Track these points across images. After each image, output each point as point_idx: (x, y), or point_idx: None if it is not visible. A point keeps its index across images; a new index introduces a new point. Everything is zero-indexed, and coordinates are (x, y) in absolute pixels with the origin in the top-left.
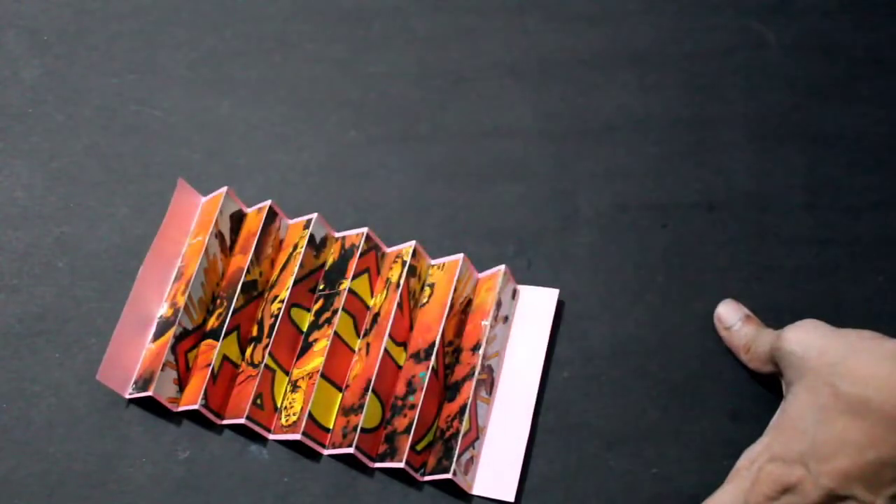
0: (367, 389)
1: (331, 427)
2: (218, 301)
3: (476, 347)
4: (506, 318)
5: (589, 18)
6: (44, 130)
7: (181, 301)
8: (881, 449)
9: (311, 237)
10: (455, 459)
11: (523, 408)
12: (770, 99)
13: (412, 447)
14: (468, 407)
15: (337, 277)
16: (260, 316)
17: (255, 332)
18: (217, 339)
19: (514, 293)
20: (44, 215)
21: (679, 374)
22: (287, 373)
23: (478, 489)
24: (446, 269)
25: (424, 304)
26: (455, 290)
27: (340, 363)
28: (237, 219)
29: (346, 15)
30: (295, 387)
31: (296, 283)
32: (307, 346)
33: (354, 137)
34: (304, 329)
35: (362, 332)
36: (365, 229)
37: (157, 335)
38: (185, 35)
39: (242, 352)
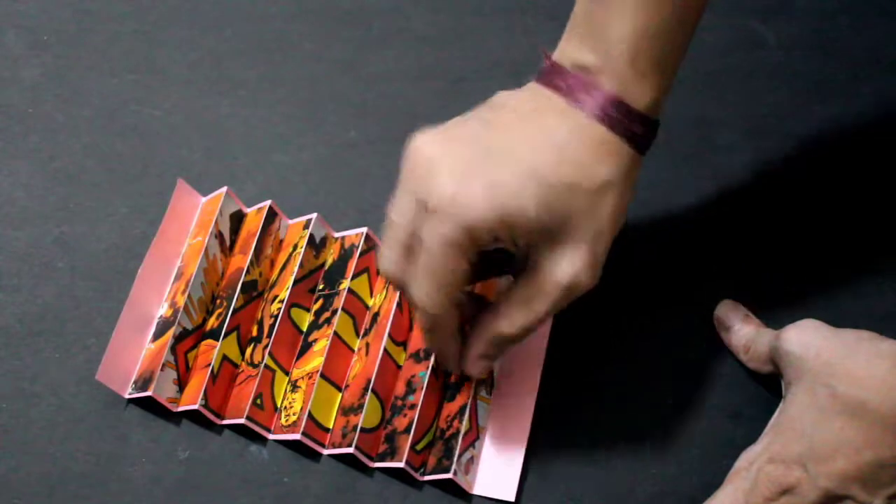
0: (366, 389)
1: (330, 427)
2: (218, 301)
3: None
4: None
5: None
6: (44, 130)
7: (181, 301)
8: (878, 450)
9: (311, 237)
10: (455, 459)
11: (523, 408)
12: (770, 99)
13: (412, 447)
14: (468, 407)
15: (336, 277)
16: (260, 316)
17: (254, 332)
18: (217, 339)
19: None
20: (44, 215)
21: (678, 374)
22: (287, 373)
23: (478, 489)
24: None
25: None
26: None
27: (340, 363)
28: (237, 219)
29: (346, 15)
30: (295, 387)
31: (295, 283)
32: (307, 346)
33: (354, 137)
34: (304, 329)
35: (362, 332)
36: (364, 229)
37: (157, 335)
38: (185, 35)
39: (242, 352)
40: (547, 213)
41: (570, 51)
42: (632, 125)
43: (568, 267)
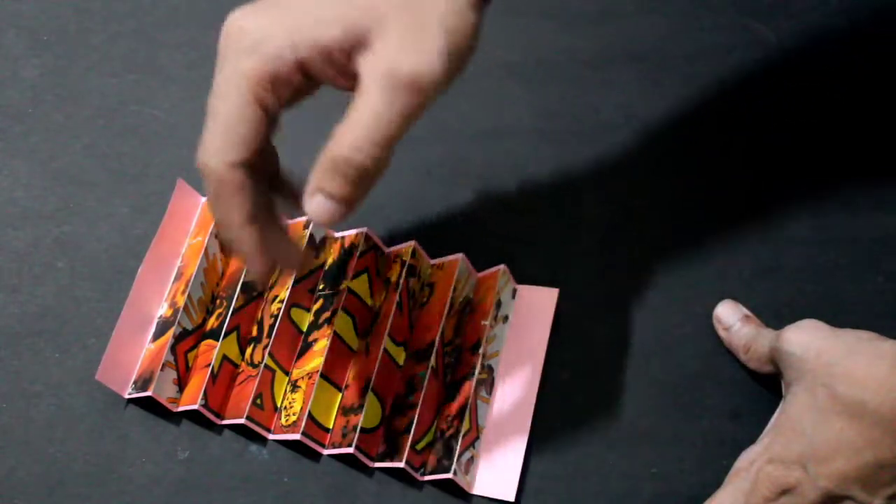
0: (366, 389)
1: (330, 427)
2: (218, 301)
3: (476, 347)
4: (506, 318)
5: (589, 18)
6: (44, 130)
7: (181, 301)
8: (878, 451)
9: (311, 237)
10: (455, 459)
11: (523, 408)
12: (770, 99)
13: (412, 447)
14: (468, 406)
15: (336, 277)
16: (260, 316)
17: (254, 332)
18: (217, 340)
19: (514, 293)
20: (44, 215)
21: (679, 374)
22: (287, 373)
23: (478, 489)
24: (446, 269)
25: (424, 304)
26: (455, 289)
27: (340, 363)
28: None
29: None
30: (295, 387)
31: (295, 283)
32: (307, 346)
33: None
34: (304, 329)
35: (362, 332)
36: (364, 229)
37: (157, 335)
38: (185, 35)
39: (242, 352)
40: (353, 21)
41: None
42: None
43: (372, 56)
